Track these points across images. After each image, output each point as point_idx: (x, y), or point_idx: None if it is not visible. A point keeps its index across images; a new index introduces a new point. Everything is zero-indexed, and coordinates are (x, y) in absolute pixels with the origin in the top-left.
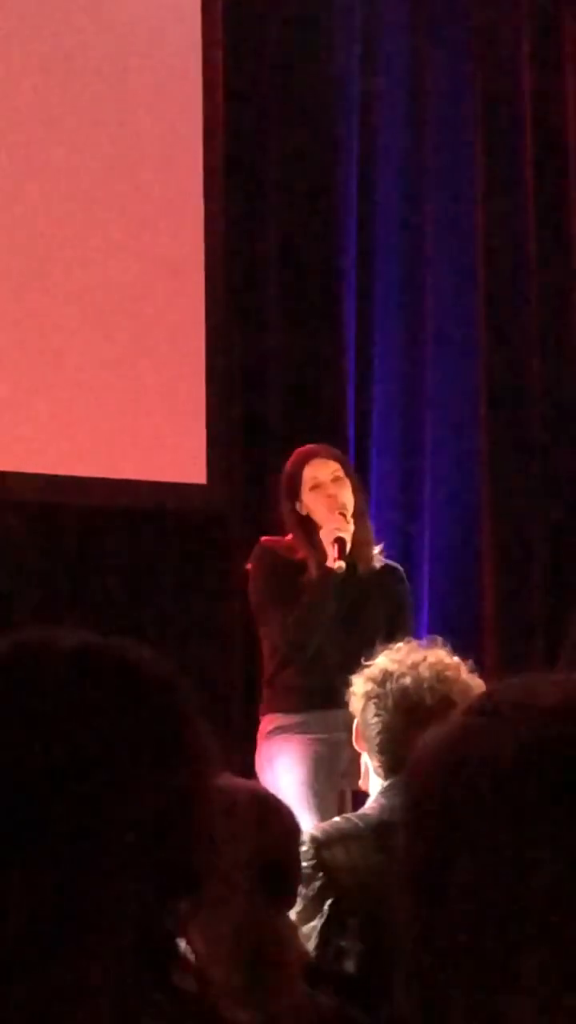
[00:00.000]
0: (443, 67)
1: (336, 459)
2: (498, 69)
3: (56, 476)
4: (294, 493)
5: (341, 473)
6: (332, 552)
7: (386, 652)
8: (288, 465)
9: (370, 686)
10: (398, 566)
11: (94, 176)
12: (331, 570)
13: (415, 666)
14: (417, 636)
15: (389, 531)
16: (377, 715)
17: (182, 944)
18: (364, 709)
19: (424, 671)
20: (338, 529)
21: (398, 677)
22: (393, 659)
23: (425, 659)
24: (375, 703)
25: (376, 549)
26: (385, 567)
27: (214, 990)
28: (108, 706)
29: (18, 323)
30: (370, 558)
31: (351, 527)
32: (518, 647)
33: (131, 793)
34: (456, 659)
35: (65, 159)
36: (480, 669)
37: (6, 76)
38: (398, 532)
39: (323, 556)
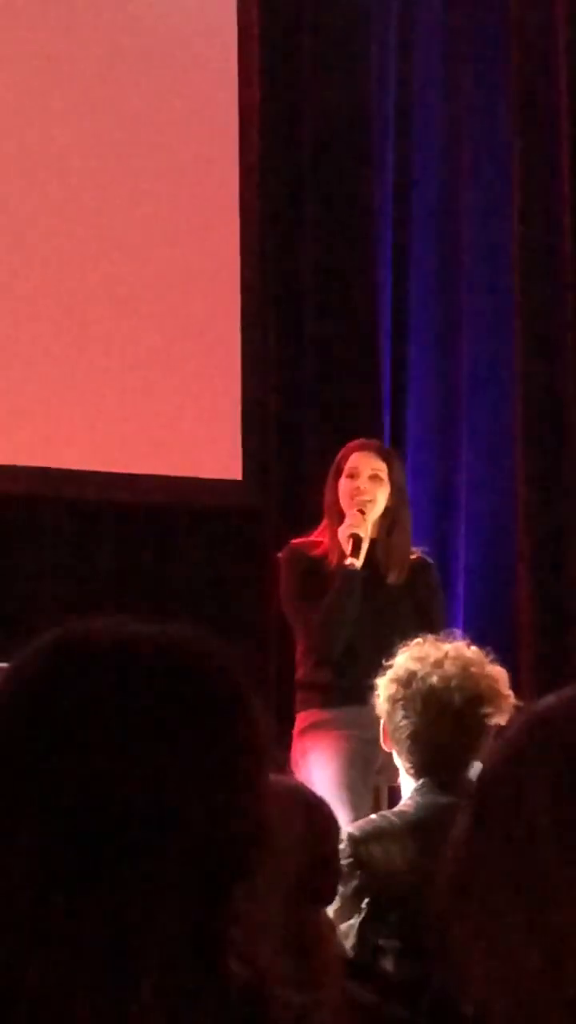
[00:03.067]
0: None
1: (386, 460)
2: (534, 48)
3: (91, 472)
4: (335, 477)
5: (383, 474)
6: (347, 549)
7: (407, 650)
8: (341, 451)
9: (395, 688)
10: (429, 559)
11: (127, 162)
12: (346, 567)
13: (440, 664)
14: (450, 628)
15: (424, 527)
16: (406, 717)
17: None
18: (392, 712)
19: (449, 668)
20: (353, 526)
21: (423, 677)
22: (416, 657)
23: (448, 655)
24: (402, 705)
25: (414, 555)
26: (416, 561)
27: (267, 975)
28: (163, 695)
29: (52, 319)
30: (402, 569)
31: (367, 526)
32: (554, 643)
33: (188, 783)
34: (476, 650)
35: (97, 145)
36: (514, 664)
37: (40, 53)
38: (434, 529)
39: (343, 554)
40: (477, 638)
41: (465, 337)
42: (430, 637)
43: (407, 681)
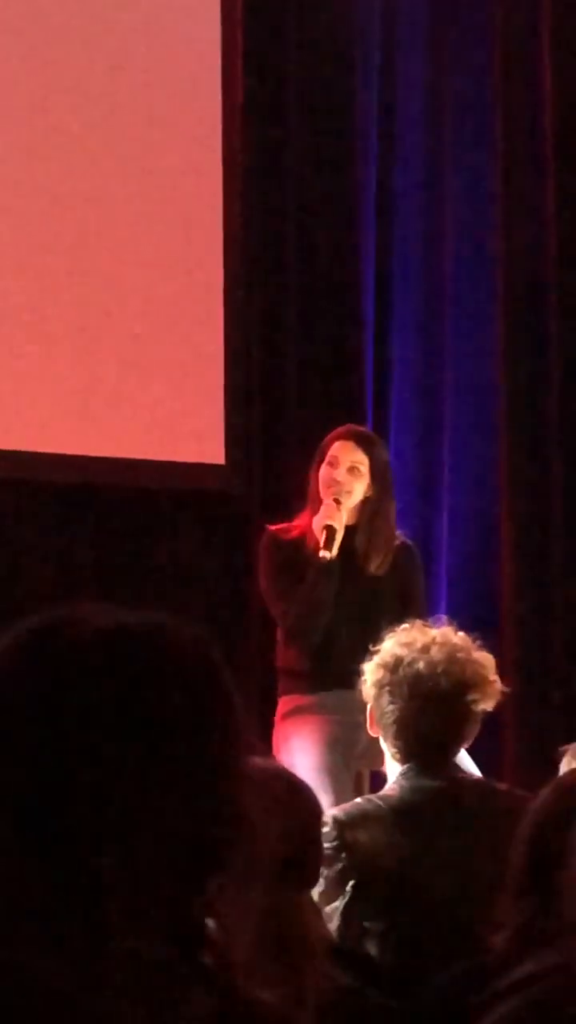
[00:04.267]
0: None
1: (367, 451)
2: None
3: (72, 456)
4: (318, 463)
5: (362, 467)
6: (320, 540)
7: (394, 635)
8: (327, 436)
9: (381, 673)
10: (411, 543)
11: (109, 149)
12: (319, 559)
13: (426, 649)
14: (433, 613)
15: (407, 514)
16: (392, 703)
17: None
18: (378, 697)
19: (436, 654)
20: (327, 517)
21: (409, 662)
22: (402, 643)
23: (435, 640)
24: (388, 691)
25: (396, 540)
26: (398, 546)
27: (237, 969)
28: (142, 683)
29: (31, 302)
30: (385, 559)
31: (342, 516)
32: (537, 628)
33: (163, 771)
34: (464, 636)
35: (79, 125)
36: (499, 651)
37: (24, 32)
38: (416, 513)
39: (317, 541)
40: (460, 624)
41: (449, 325)
42: (417, 622)
43: (394, 666)
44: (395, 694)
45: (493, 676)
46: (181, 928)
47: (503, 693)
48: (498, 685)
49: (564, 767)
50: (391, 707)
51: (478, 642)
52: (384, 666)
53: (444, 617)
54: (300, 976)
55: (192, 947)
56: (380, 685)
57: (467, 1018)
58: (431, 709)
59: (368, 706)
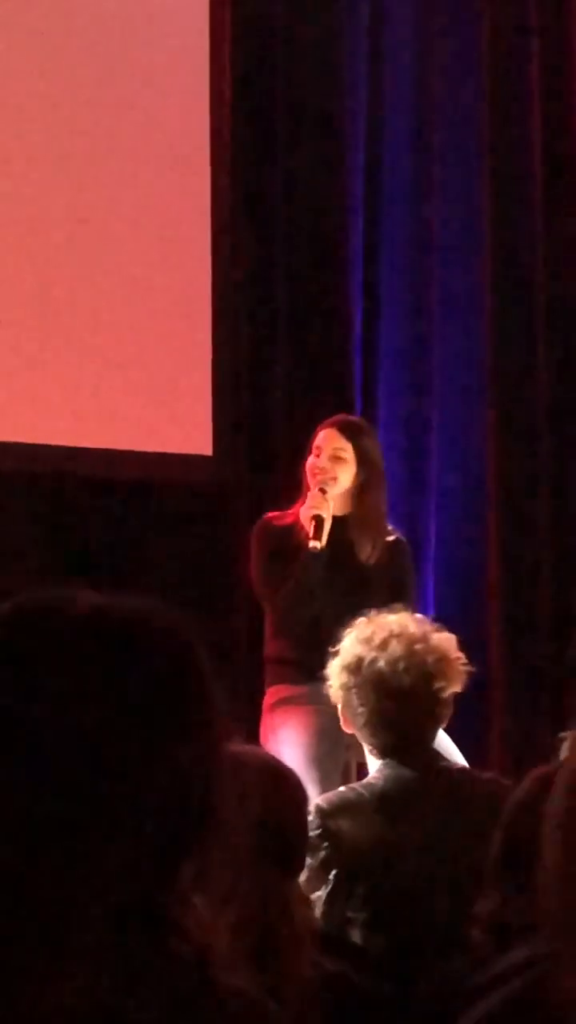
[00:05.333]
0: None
1: (351, 438)
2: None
3: (58, 447)
4: (307, 453)
5: (345, 454)
6: (308, 529)
7: (352, 631)
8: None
9: (346, 676)
10: (403, 539)
11: (98, 139)
12: (308, 550)
13: (385, 645)
14: (422, 605)
15: (395, 502)
16: (361, 704)
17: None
18: (347, 699)
19: (395, 649)
20: (314, 507)
21: (371, 662)
22: (362, 640)
23: (392, 633)
24: (355, 693)
25: (391, 535)
26: (391, 542)
27: (212, 957)
28: (116, 667)
29: (17, 292)
30: (375, 546)
31: (329, 505)
32: (524, 614)
33: (135, 755)
34: (420, 620)
35: (71, 118)
36: (485, 636)
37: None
38: (404, 503)
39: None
40: (447, 612)
41: (437, 314)
42: (376, 616)
43: (356, 667)
44: (362, 695)
45: (455, 658)
46: (153, 913)
47: (469, 672)
48: (461, 666)
49: (564, 753)
50: (361, 708)
51: (436, 625)
52: (347, 668)
53: (399, 605)
54: (287, 962)
55: (164, 932)
56: (346, 688)
57: (453, 1005)
58: (400, 705)
59: (339, 707)
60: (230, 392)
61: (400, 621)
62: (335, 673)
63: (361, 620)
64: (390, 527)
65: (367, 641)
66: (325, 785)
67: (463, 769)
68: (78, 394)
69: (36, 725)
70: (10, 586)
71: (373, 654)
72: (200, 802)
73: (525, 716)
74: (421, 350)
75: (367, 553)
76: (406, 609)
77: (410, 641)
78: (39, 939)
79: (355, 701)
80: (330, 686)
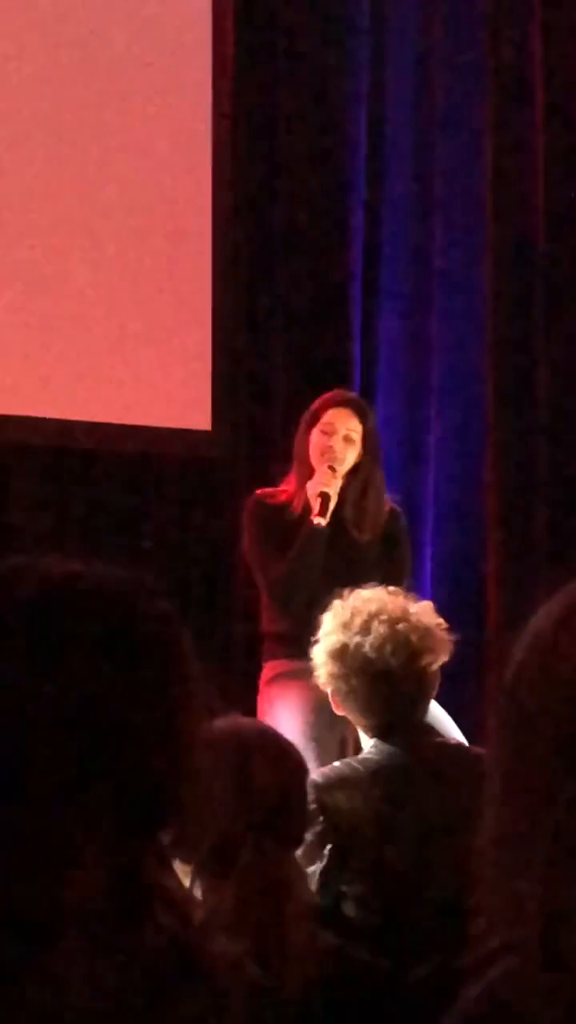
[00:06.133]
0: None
1: (362, 420)
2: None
3: (57, 420)
4: (307, 427)
5: (356, 435)
6: (315, 506)
7: (334, 616)
8: (316, 401)
9: (332, 664)
10: (398, 509)
11: (97, 117)
12: (311, 525)
13: (367, 628)
14: (419, 584)
15: (393, 478)
16: (351, 691)
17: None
18: (336, 688)
19: (378, 630)
20: (322, 484)
21: (355, 648)
22: (342, 623)
23: (372, 614)
24: (343, 679)
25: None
26: (387, 512)
27: (190, 919)
28: (91, 633)
29: (21, 270)
30: (373, 530)
31: (337, 483)
32: (521, 589)
33: (108, 724)
34: (396, 594)
35: (71, 98)
36: (483, 611)
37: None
38: (402, 476)
39: (308, 506)
40: (445, 587)
41: (437, 289)
42: (355, 595)
43: (340, 654)
44: (350, 681)
45: (438, 630)
46: (132, 881)
47: (455, 642)
48: (446, 637)
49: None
50: (352, 694)
51: (412, 594)
52: (332, 655)
53: (374, 582)
54: (286, 935)
55: (141, 896)
56: (334, 675)
57: (449, 982)
58: (389, 687)
59: (328, 693)
60: (229, 367)
61: (377, 599)
62: (320, 661)
63: (336, 602)
64: (387, 496)
65: (347, 626)
66: (323, 759)
67: (457, 745)
68: (78, 368)
69: (4, 691)
70: (3, 559)
71: (357, 639)
72: (171, 770)
73: None
74: (420, 323)
75: (366, 531)
76: (402, 583)
77: (392, 621)
78: (17, 907)
79: (344, 687)
80: (317, 675)
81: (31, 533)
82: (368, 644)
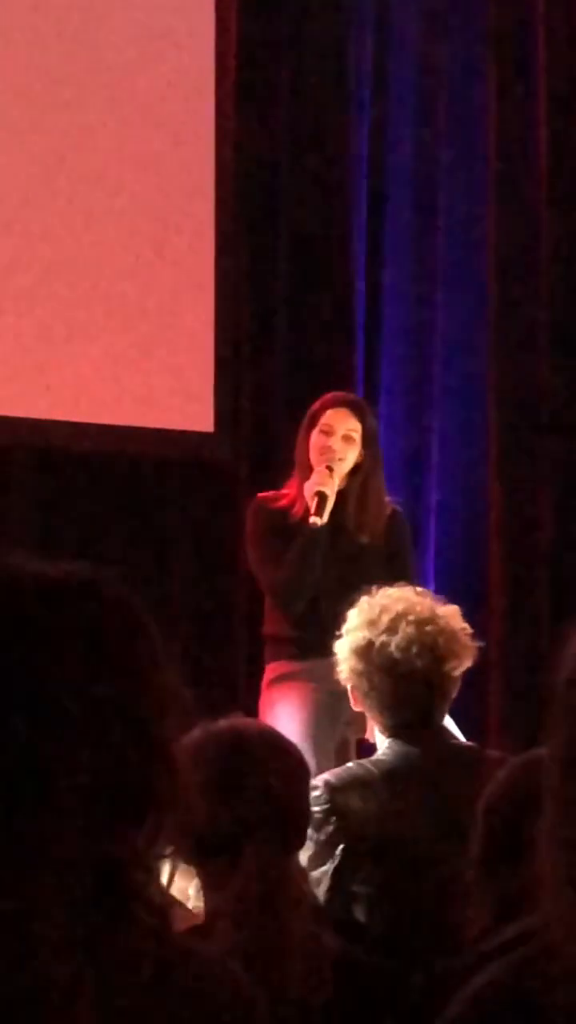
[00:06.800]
0: None
1: (361, 419)
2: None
3: (60, 422)
4: (307, 428)
5: (356, 435)
6: (311, 506)
7: (357, 612)
8: (316, 402)
9: (355, 660)
10: (399, 510)
11: (99, 115)
12: (309, 525)
13: (394, 628)
14: (422, 582)
15: (397, 481)
16: (372, 688)
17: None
18: (357, 684)
19: (405, 631)
20: (319, 484)
21: (381, 647)
22: (369, 620)
23: (399, 614)
24: (366, 677)
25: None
26: (388, 514)
27: (170, 922)
28: (65, 634)
29: (23, 270)
30: (374, 531)
31: (334, 484)
32: (525, 592)
33: (79, 723)
34: (425, 596)
35: (74, 91)
36: (487, 615)
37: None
38: (406, 482)
39: (307, 505)
40: (449, 590)
41: (440, 291)
42: (384, 593)
43: (365, 652)
44: (373, 679)
45: (464, 634)
46: (114, 881)
47: (479, 648)
48: (471, 643)
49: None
50: (372, 692)
51: (439, 597)
52: (356, 652)
53: (403, 582)
54: (285, 935)
55: (119, 895)
56: (357, 673)
57: (448, 985)
58: (411, 688)
59: (348, 687)
60: (232, 369)
61: (405, 598)
62: (344, 657)
63: (364, 599)
64: (387, 498)
65: (374, 623)
66: (321, 761)
67: (472, 747)
68: (80, 370)
69: None
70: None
71: (383, 638)
72: (146, 770)
73: (524, 700)
74: (423, 326)
75: (367, 532)
76: (406, 584)
77: (420, 623)
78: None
79: (366, 684)
80: (340, 670)
81: (29, 535)
82: (394, 644)
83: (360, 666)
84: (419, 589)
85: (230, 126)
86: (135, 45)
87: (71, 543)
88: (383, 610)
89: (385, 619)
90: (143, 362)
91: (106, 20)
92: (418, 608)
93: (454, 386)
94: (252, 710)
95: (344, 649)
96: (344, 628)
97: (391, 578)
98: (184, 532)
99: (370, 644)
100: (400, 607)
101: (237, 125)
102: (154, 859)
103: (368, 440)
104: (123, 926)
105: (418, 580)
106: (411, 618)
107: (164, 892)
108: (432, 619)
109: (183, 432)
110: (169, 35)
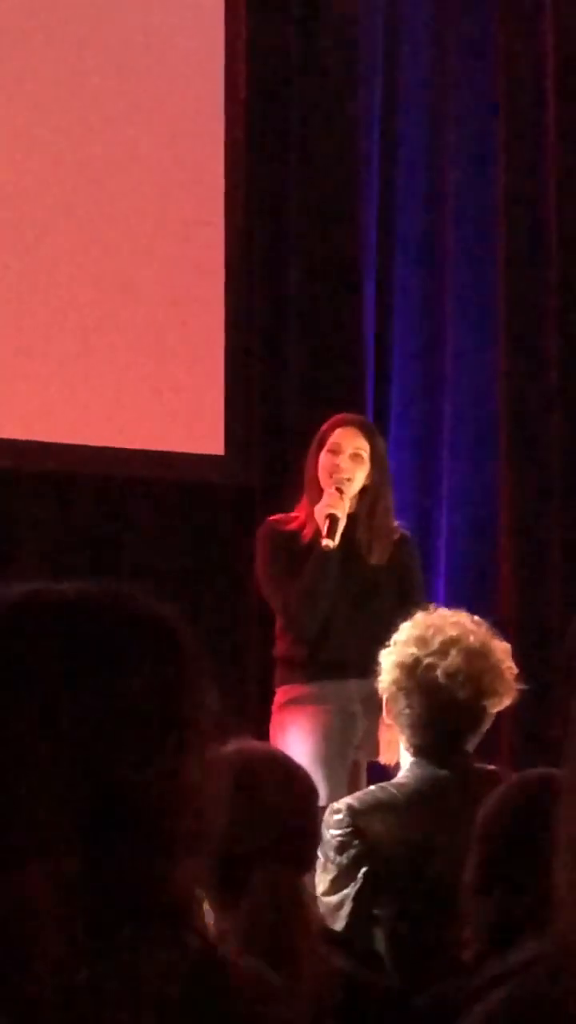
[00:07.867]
0: None
1: (369, 438)
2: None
3: (72, 445)
4: (316, 449)
5: (364, 453)
6: (323, 528)
7: (410, 626)
8: (325, 423)
9: (397, 674)
10: (409, 535)
11: (110, 136)
12: (321, 548)
13: (444, 652)
14: (430, 600)
15: (407, 501)
16: (408, 706)
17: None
18: (395, 696)
19: (454, 659)
20: (330, 505)
21: (427, 668)
22: (420, 637)
23: (452, 640)
24: (405, 694)
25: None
26: (397, 538)
27: (205, 930)
28: (103, 656)
29: (32, 291)
30: (383, 552)
31: (345, 505)
32: (536, 612)
33: (114, 757)
34: (479, 626)
35: (81, 113)
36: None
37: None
38: (416, 503)
39: (318, 527)
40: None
41: (449, 311)
42: (437, 612)
43: (411, 669)
44: (412, 697)
45: (509, 674)
46: (148, 893)
47: (519, 691)
48: (514, 684)
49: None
50: (407, 710)
51: (492, 630)
52: (401, 667)
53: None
54: (297, 959)
55: (159, 911)
56: (397, 686)
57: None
58: (448, 715)
59: (384, 698)
60: (243, 392)
61: (460, 624)
62: (387, 667)
63: (419, 614)
64: (396, 523)
65: (424, 642)
66: (332, 784)
67: (493, 771)
68: (89, 393)
69: (12, 709)
70: (14, 583)
71: (431, 659)
72: (189, 801)
73: (534, 717)
74: (434, 348)
75: (378, 554)
76: (417, 609)
77: (470, 653)
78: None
79: (403, 701)
80: (380, 679)
81: (40, 559)
82: (441, 668)
83: (402, 681)
84: (475, 618)
85: (240, 146)
86: (141, 45)
87: (82, 568)
88: (436, 631)
89: (437, 641)
90: (153, 384)
91: (113, 19)
92: (471, 638)
93: (464, 406)
94: (263, 733)
95: (389, 661)
96: (393, 639)
97: (402, 603)
98: (195, 555)
99: (416, 662)
100: (454, 632)
101: (247, 140)
102: (192, 880)
103: (376, 460)
104: (177, 950)
105: (429, 603)
106: (462, 646)
107: (203, 919)
108: (483, 653)
109: (194, 455)
110: (178, 33)
